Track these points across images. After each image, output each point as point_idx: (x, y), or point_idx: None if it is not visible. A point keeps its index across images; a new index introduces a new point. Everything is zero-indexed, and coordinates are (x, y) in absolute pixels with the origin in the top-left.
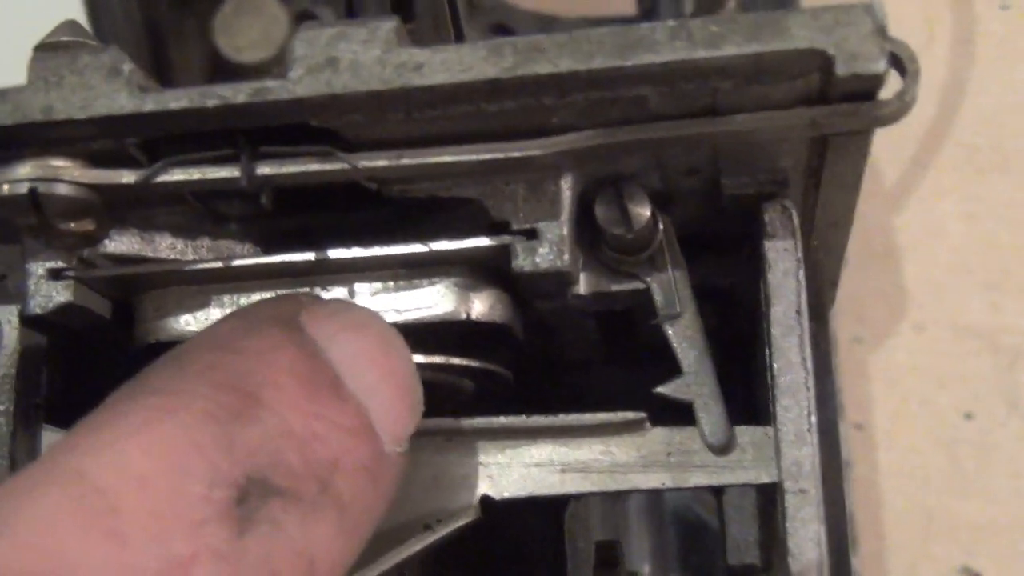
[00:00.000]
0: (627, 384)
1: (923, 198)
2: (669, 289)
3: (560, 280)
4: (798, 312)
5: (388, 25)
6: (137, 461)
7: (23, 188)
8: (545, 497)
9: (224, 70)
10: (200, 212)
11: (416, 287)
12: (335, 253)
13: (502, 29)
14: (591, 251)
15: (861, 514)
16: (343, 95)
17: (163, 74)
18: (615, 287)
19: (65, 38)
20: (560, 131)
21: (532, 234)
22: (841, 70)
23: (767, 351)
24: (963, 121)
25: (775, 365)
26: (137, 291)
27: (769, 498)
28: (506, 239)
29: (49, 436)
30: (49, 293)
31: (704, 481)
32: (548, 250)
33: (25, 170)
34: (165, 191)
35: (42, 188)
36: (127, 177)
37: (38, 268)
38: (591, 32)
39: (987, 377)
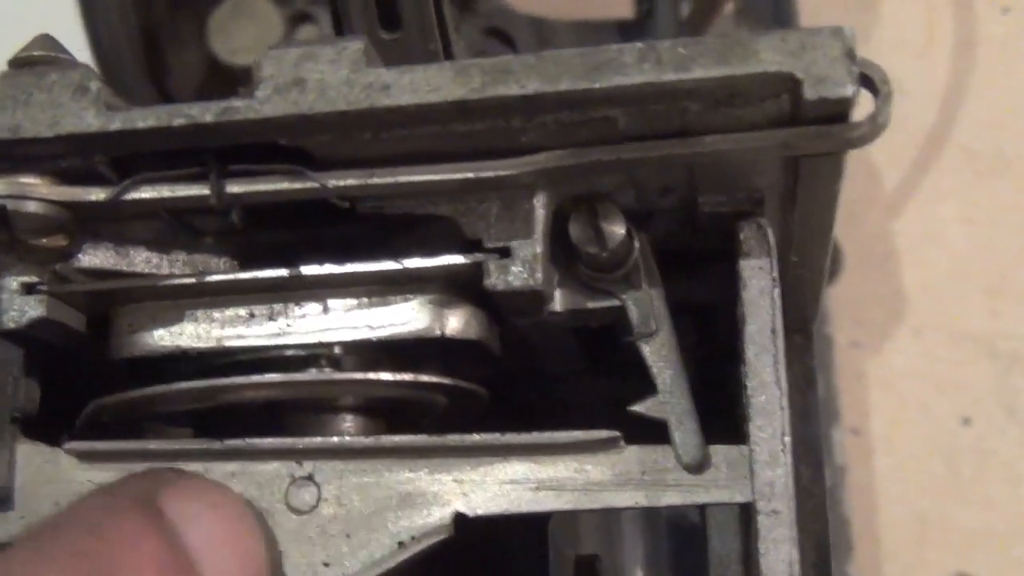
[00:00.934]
0: (611, 395)
1: (922, 202)
2: (645, 307)
3: (534, 298)
4: (772, 331)
5: (356, 45)
6: None
7: None
8: (519, 515)
9: (219, 72)
10: (175, 226)
11: (390, 303)
12: (309, 269)
13: (497, 32)
14: (567, 269)
15: (857, 519)
16: (310, 115)
17: (158, 77)
18: (591, 304)
19: (38, 52)
20: (531, 151)
21: (505, 252)
22: (810, 94)
23: (742, 370)
24: (963, 125)
25: (749, 384)
26: (112, 305)
27: (747, 513)
28: (479, 257)
29: (25, 450)
30: (22, 307)
31: (678, 500)
32: (521, 268)
33: None
34: (135, 208)
35: (11, 205)
36: (96, 194)
37: (11, 282)
38: (560, 53)
39: (985, 382)
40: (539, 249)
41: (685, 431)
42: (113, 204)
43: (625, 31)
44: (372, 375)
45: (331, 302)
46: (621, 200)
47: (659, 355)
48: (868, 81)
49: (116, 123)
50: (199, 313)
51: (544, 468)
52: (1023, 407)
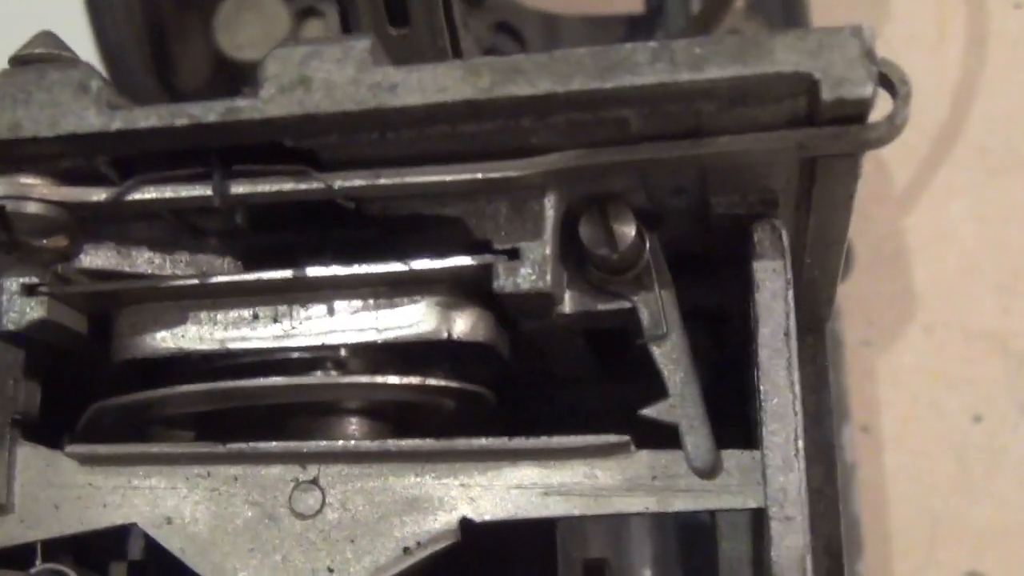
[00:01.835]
0: (619, 399)
1: (933, 199)
2: (656, 309)
3: (543, 300)
4: (786, 334)
5: (362, 44)
6: None
7: None
8: (527, 520)
9: (226, 68)
10: (177, 227)
11: (397, 305)
12: (314, 271)
13: (505, 27)
14: (576, 270)
15: (867, 517)
16: (316, 115)
17: (164, 73)
18: (601, 307)
19: (39, 50)
20: (541, 151)
21: (514, 254)
22: (827, 95)
23: (755, 373)
24: (975, 122)
25: (762, 388)
26: (113, 307)
27: (759, 518)
28: (488, 259)
29: (26, 452)
30: (23, 309)
31: (689, 506)
32: (530, 271)
33: None
34: (138, 208)
35: (10, 206)
36: (97, 195)
37: (11, 284)
38: (571, 52)
39: (997, 380)
40: (549, 251)
41: (696, 435)
42: (115, 205)
43: (634, 26)
44: (380, 378)
45: (337, 304)
46: (632, 201)
47: (670, 358)
48: (886, 81)
49: (117, 122)
50: (202, 315)
51: (553, 473)
52: None
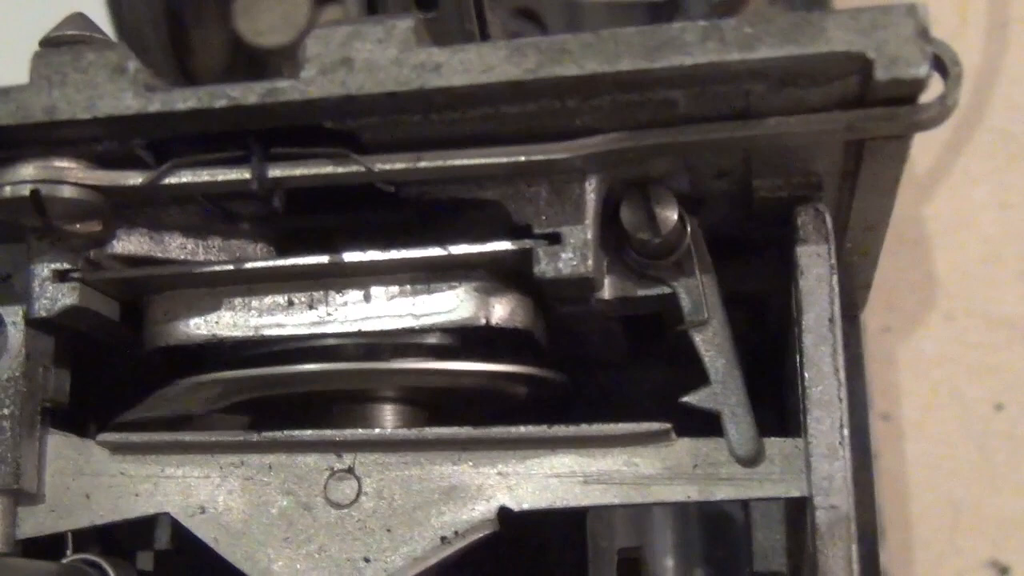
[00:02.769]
0: (655, 386)
1: (955, 186)
2: (697, 295)
3: (583, 285)
4: (831, 320)
5: (405, 24)
6: None
7: (25, 190)
8: (566, 509)
9: (244, 54)
10: (212, 212)
11: (435, 291)
12: (351, 256)
13: (527, 13)
14: (616, 255)
15: (888, 506)
16: (358, 96)
17: (183, 58)
18: (641, 292)
19: (71, 31)
20: (584, 133)
21: (555, 238)
22: (881, 74)
23: (798, 360)
24: (996, 108)
25: (806, 375)
26: (146, 293)
27: (798, 506)
28: (528, 243)
29: (55, 440)
30: (55, 295)
31: (731, 495)
32: (571, 255)
33: (27, 171)
34: (173, 193)
35: (45, 190)
36: (133, 179)
37: (43, 269)
38: (618, 32)
39: (1019, 368)
40: (590, 235)
41: (739, 423)
42: (151, 189)
43: (656, 14)
44: (457, 364)
45: (374, 289)
46: (674, 185)
47: (712, 344)
48: (937, 62)
49: (155, 104)
50: (236, 301)
51: (592, 461)
52: None
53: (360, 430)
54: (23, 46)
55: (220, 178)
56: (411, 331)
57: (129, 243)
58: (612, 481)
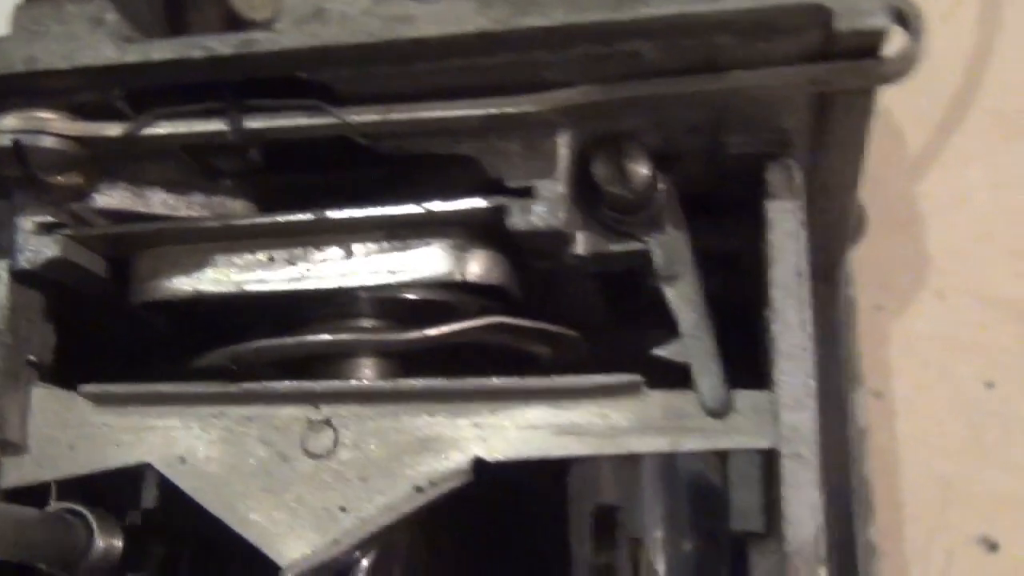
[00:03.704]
0: (632, 349)
1: (947, 165)
2: (669, 250)
3: (557, 239)
4: (799, 274)
5: None
6: None
7: (6, 140)
8: (539, 459)
9: (239, 28)
10: (192, 167)
11: (411, 247)
12: (330, 213)
13: None
14: (590, 211)
15: (878, 482)
16: (331, 47)
17: (178, 34)
18: (614, 247)
19: None
20: (555, 87)
21: (528, 192)
22: (841, 25)
23: (767, 314)
24: (989, 87)
25: (774, 327)
26: (130, 249)
27: (772, 463)
28: (501, 199)
29: (40, 392)
30: (39, 248)
31: (701, 445)
32: (544, 208)
33: (9, 122)
34: (152, 144)
35: (26, 140)
36: (112, 130)
37: (27, 223)
38: None
39: (1009, 346)
40: (562, 189)
41: (708, 375)
42: (130, 139)
43: None
44: (486, 320)
45: (353, 246)
46: (646, 141)
47: (683, 298)
48: (899, 14)
49: (132, 55)
50: (219, 258)
51: (565, 413)
52: None
53: (337, 382)
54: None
55: (197, 129)
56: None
57: (111, 198)
58: (584, 432)
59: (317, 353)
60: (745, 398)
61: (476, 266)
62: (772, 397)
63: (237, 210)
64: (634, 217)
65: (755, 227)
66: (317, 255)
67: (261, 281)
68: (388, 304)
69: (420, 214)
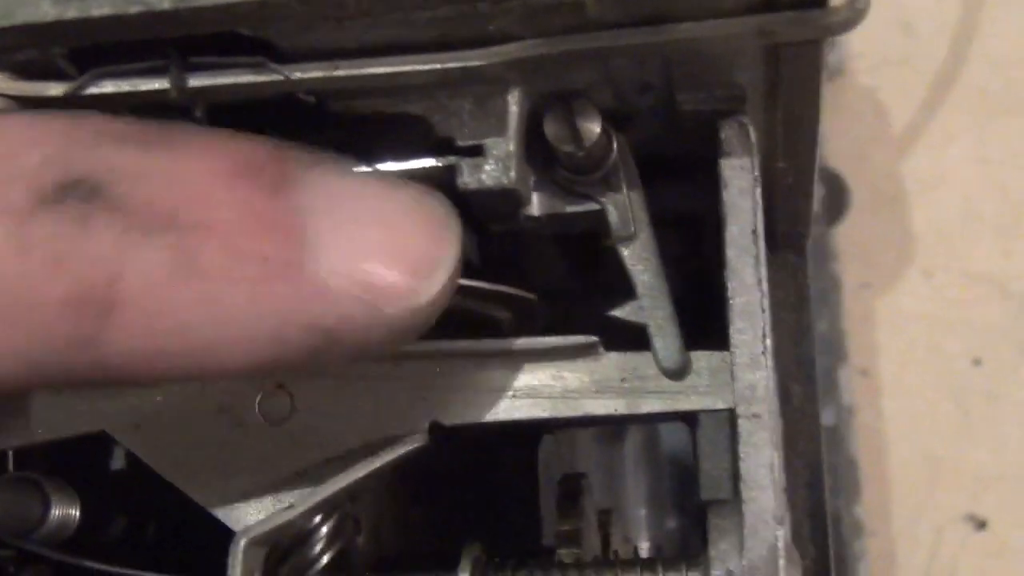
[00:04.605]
0: (602, 318)
1: (932, 142)
2: (624, 210)
3: (509, 199)
4: (754, 232)
5: None
6: None
7: None
8: (495, 424)
9: None
10: None
11: None
12: None
13: None
14: (544, 171)
15: (865, 460)
16: (270, 1)
17: None
18: (569, 208)
19: None
20: (500, 41)
21: (478, 151)
22: None
23: (723, 273)
24: (974, 64)
25: (729, 287)
26: None
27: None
28: (452, 159)
29: None
30: None
31: (658, 407)
32: (494, 166)
33: None
34: (96, 104)
35: None
36: (54, 89)
37: None
38: None
39: (996, 324)
40: (513, 147)
41: (665, 336)
42: (73, 99)
43: None
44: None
45: None
46: (599, 99)
47: (639, 258)
48: None
49: (71, 11)
50: None
51: (521, 375)
52: None
53: None
54: None
55: (141, 88)
56: None
57: None
58: (540, 395)
59: None
60: (702, 359)
61: None
62: (728, 357)
63: None
64: (589, 177)
65: (715, 188)
66: None
67: None
68: None
69: (370, 174)
